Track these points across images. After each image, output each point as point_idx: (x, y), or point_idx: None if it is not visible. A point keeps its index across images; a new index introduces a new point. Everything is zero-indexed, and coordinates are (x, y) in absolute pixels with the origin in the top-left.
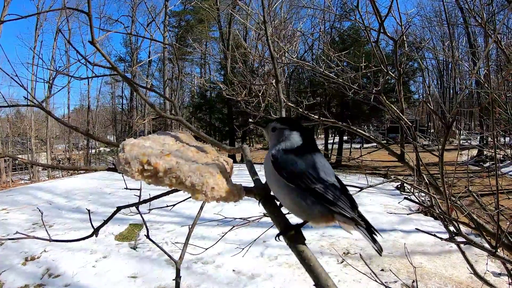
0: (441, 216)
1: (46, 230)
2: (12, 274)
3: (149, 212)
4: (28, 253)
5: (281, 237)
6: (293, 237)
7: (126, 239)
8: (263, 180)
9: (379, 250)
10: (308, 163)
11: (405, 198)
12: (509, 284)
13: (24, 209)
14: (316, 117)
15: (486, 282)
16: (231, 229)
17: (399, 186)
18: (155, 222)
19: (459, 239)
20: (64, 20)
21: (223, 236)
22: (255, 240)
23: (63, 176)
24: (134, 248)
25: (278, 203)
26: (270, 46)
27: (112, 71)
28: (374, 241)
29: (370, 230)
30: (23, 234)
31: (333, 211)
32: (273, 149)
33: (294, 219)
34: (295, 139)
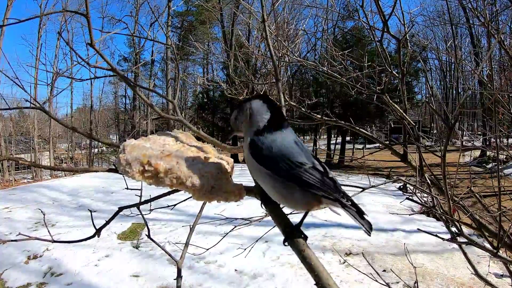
0: (443, 217)
1: (48, 231)
2: (14, 272)
3: (150, 213)
4: (31, 251)
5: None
6: (294, 236)
7: (129, 238)
8: None
9: (368, 230)
10: (283, 146)
11: (407, 198)
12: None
13: (28, 207)
14: (319, 116)
15: (488, 283)
16: (233, 229)
17: (401, 186)
18: (157, 220)
19: (461, 239)
20: (68, 19)
21: (224, 236)
22: (257, 241)
23: (66, 175)
24: (137, 247)
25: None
26: (269, 45)
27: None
28: (362, 219)
29: (359, 212)
30: (25, 235)
31: (317, 195)
32: (246, 135)
33: (295, 219)
34: (261, 110)
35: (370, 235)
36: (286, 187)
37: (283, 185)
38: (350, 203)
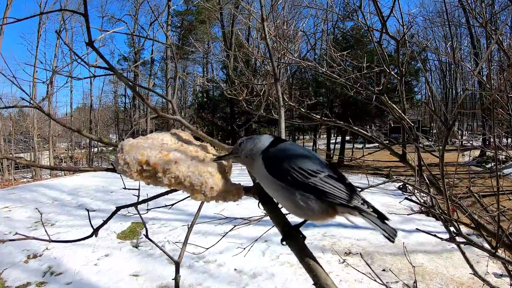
0: (442, 217)
1: (46, 231)
2: (14, 271)
3: (147, 212)
4: (31, 250)
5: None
6: (292, 236)
7: (128, 237)
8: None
9: (391, 236)
10: (292, 155)
11: (405, 198)
12: (510, 285)
13: (28, 207)
14: (318, 117)
15: (487, 282)
16: (232, 229)
17: (401, 186)
18: (157, 220)
19: (459, 239)
20: (67, 18)
21: (224, 236)
22: (256, 240)
23: (65, 174)
24: (136, 246)
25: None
26: (268, 45)
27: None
28: (384, 224)
29: (380, 217)
30: (22, 235)
31: (334, 204)
32: (257, 156)
33: (294, 218)
34: (266, 137)
35: (393, 242)
36: (302, 199)
37: (299, 196)
38: (371, 209)
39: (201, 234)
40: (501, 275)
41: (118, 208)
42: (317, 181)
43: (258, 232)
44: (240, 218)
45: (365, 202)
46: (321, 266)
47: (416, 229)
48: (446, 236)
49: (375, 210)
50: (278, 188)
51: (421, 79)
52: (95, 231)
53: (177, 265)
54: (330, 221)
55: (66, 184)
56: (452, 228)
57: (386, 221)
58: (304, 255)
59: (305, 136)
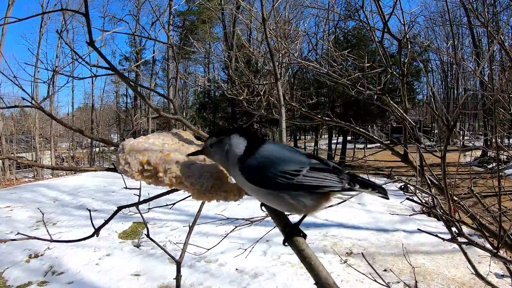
0: (443, 217)
1: (47, 231)
2: (15, 270)
3: (148, 212)
4: (32, 250)
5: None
6: (293, 235)
7: (130, 237)
8: None
9: (385, 195)
10: (271, 160)
11: (407, 198)
12: None
13: (29, 206)
14: (319, 116)
15: (488, 283)
16: (233, 230)
17: (402, 186)
18: (158, 220)
19: (461, 239)
20: (68, 18)
21: (225, 236)
22: (258, 241)
23: (66, 174)
24: (138, 246)
25: None
26: (269, 44)
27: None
28: (373, 191)
29: (367, 185)
30: (24, 234)
31: (324, 192)
32: (232, 163)
33: (295, 218)
34: (239, 142)
35: (388, 199)
36: (293, 198)
37: (289, 197)
38: (358, 185)
39: (202, 234)
40: (503, 276)
41: (120, 208)
42: (302, 179)
43: (260, 232)
44: (241, 219)
45: (352, 178)
46: (322, 266)
47: (418, 229)
48: (448, 236)
49: (361, 181)
50: (264, 194)
51: (422, 79)
52: (97, 231)
53: (178, 265)
54: (327, 205)
55: (67, 184)
56: (453, 229)
57: (373, 185)
58: (305, 254)
59: (306, 136)
